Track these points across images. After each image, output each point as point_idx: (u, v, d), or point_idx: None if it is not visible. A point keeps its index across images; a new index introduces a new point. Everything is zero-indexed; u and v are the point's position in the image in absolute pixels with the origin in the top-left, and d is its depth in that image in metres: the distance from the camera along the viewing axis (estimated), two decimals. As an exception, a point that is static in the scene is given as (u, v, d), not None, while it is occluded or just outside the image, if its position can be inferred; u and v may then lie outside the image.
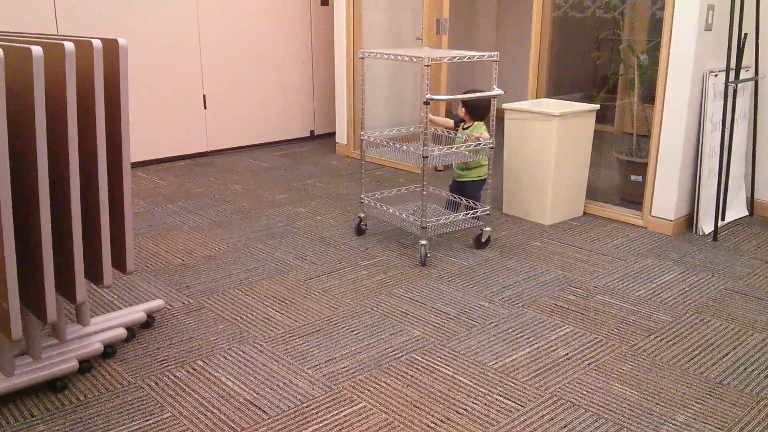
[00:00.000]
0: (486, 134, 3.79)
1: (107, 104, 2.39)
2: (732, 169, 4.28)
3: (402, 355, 2.70)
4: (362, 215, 3.98)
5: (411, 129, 4.27)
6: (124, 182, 2.46)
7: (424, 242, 3.56)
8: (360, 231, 4.02)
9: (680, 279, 3.45)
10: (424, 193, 3.55)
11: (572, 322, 2.99)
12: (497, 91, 3.58)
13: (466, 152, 3.74)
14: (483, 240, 3.83)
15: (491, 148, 3.73)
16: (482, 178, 3.96)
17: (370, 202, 3.93)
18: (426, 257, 3.59)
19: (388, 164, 5.70)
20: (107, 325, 2.74)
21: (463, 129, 3.92)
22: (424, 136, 3.48)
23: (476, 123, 3.89)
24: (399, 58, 3.56)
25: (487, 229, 3.82)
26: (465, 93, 3.87)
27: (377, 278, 3.43)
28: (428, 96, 3.41)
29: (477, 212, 3.78)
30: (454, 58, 3.54)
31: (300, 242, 3.92)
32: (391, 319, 3.00)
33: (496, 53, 3.62)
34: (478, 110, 3.88)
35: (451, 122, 4.06)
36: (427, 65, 3.36)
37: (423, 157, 3.48)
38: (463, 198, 3.95)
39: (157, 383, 2.50)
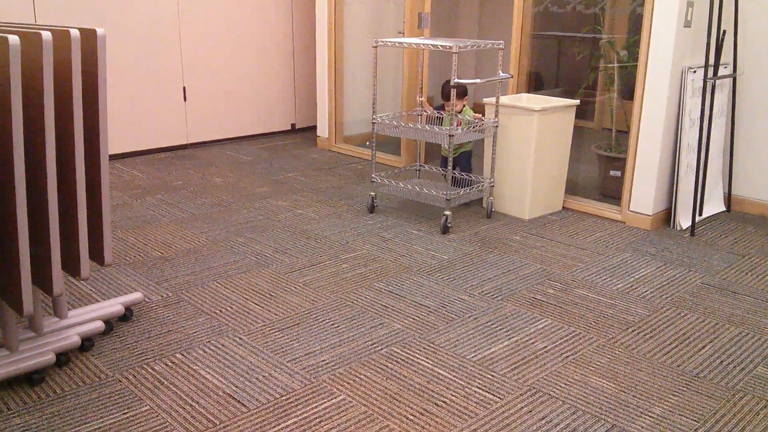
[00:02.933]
0: (471, 114, 4.33)
1: (85, 95, 2.37)
2: (710, 164, 4.33)
3: (382, 348, 2.71)
4: (373, 193, 4.35)
5: (410, 112, 4.66)
6: (102, 174, 2.44)
7: (448, 212, 3.98)
8: (372, 209, 4.37)
9: (658, 273, 3.49)
10: (448, 169, 4.04)
11: (551, 315, 3.01)
12: (507, 75, 4.20)
13: (470, 132, 4.17)
14: (489, 210, 4.32)
15: (496, 126, 4.22)
16: (469, 149, 4.50)
17: (384, 180, 4.29)
18: (448, 226, 4.00)
19: (368, 158, 5.70)
20: (85, 318, 2.72)
21: (454, 113, 4.08)
22: (451, 117, 3.98)
23: (465, 107, 4.35)
24: (424, 46, 4.01)
25: (491, 198, 4.31)
26: (444, 85, 4.33)
27: (358, 272, 3.43)
28: (456, 80, 3.86)
29: (484, 184, 4.29)
30: (473, 46, 3.97)
31: (280, 235, 3.91)
32: (371, 313, 3.00)
33: (501, 41, 4.11)
34: (464, 93, 4.38)
35: (430, 107, 4.57)
36: (456, 53, 3.77)
37: (450, 135, 3.92)
38: (455, 171, 4.36)
39: (135, 376, 2.49)
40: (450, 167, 4.03)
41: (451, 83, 3.87)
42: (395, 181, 4.29)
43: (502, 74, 4.13)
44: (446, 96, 4.22)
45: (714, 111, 4.24)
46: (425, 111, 4.51)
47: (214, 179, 5.03)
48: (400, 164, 5.40)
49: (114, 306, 2.83)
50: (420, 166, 4.69)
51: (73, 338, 2.57)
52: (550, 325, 2.92)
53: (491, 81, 4.11)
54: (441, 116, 4.38)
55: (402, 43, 4.04)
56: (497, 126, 4.20)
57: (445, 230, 3.99)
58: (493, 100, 4.26)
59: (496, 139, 4.23)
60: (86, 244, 2.40)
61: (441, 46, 3.86)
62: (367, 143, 6.04)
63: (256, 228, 4.03)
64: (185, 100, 5.85)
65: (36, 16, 4.91)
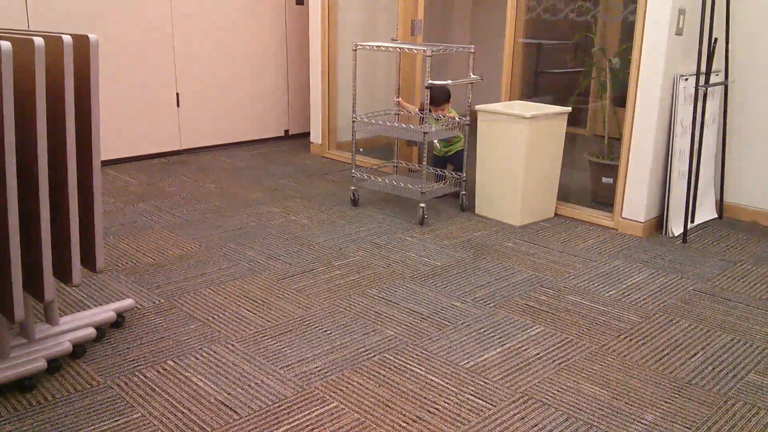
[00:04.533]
0: (456, 114, 4.62)
1: (77, 101, 2.37)
2: (702, 172, 4.35)
3: (374, 355, 2.70)
4: (353, 188, 4.60)
5: (387, 112, 4.88)
6: (94, 180, 2.44)
7: (422, 205, 4.24)
8: (355, 202, 4.62)
9: (650, 280, 3.50)
10: (424, 164, 4.28)
11: (543, 322, 3.01)
12: (476, 77, 4.41)
13: (445, 129, 4.44)
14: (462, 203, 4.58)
15: (467, 124, 4.46)
16: (462, 148, 4.66)
17: (363, 175, 4.60)
18: (424, 218, 4.26)
19: (361, 164, 5.70)
20: (76, 324, 2.71)
21: (439, 113, 4.57)
22: (427, 116, 4.20)
23: (449, 107, 4.59)
24: (399, 49, 4.37)
25: (463, 192, 4.55)
26: (427, 86, 4.47)
27: (351, 278, 3.43)
28: (429, 82, 4.11)
29: (460, 179, 4.54)
30: (444, 49, 4.25)
31: (273, 242, 3.91)
32: (364, 319, 3.00)
33: (471, 45, 4.39)
34: (444, 97, 4.63)
35: (415, 108, 4.82)
36: (429, 55, 4.07)
37: (423, 132, 4.16)
38: (445, 171, 4.66)
39: (126, 383, 2.48)
40: (424, 164, 4.28)
41: (426, 84, 4.15)
42: (374, 176, 4.59)
43: (472, 76, 4.41)
44: (432, 99, 4.40)
45: (706, 118, 4.26)
46: (402, 111, 4.80)
47: (207, 185, 5.03)
48: (391, 170, 5.40)
49: (106, 312, 2.82)
50: (397, 163, 4.99)
51: (64, 345, 2.56)
52: (542, 332, 2.92)
53: (462, 82, 4.41)
54: (424, 117, 4.48)
55: (380, 46, 4.43)
56: (468, 124, 4.45)
57: (422, 222, 4.26)
58: (485, 106, 4.28)
59: (467, 136, 4.51)
60: (78, 251, 2.40)
61: (416, 49, 4.23)
62: (360, 150, 6.04)
63: (248, 234, 4.02)
64: (178, 106, 5.84)
65: (29, 22, 4.90)
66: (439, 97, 4.55)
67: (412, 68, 5.36)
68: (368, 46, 4.46)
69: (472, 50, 4.36)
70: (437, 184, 4.43)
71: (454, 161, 4.79)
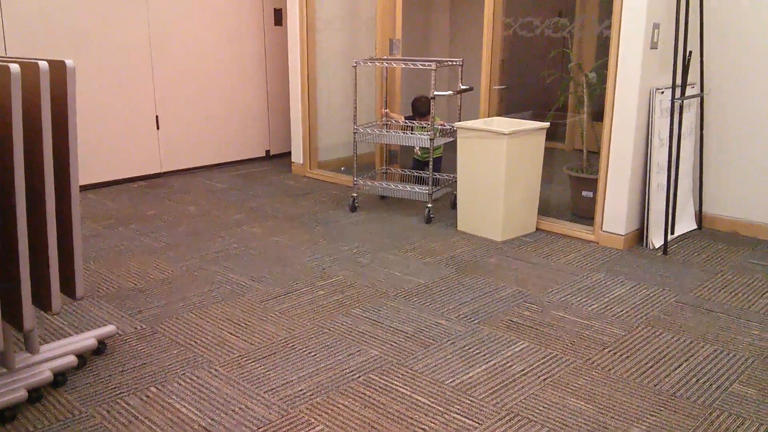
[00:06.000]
0: (443, 121, 4.94)
1: (55, 126, 2.35)
2: (680, 183, 4.39)
3: (359, 376, 2.69)
4: (354, 195, 4.92)
5: (377, 123, 5.23)
6: (73, 205, 2.42)
7: (430, 205, 4.66)
8: (354, 208, 4.92)
9: (632, 292, 3.51)
10: (431, 170, 4.69)
11: (527, 337, 3.02)
12: (467, 87, 4.83)
13: (441, 136, 4.76)
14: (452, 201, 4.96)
15: (454, 129, 4.66)
16: (440, 155, 5.11)
17: (366, 182, 4.93)
18: (431, 217, 4.65)
19: (343, 183, 5.70)
20: (57, 352, 2.67)
21: (424, 122, 4.89)
22: (433, 123, 4.60)
23: (435, 116, 4.77)
24: (396, 64, 4.83)
25: (455, 192, 4.83)
26: (413, 101, 5.12)
27: (334, 298, 3.42)
28: (435, 93, 4.57)
29: (451, 179, 4.93)
30: (439, 64, 4.63)
31: (256, 263, 3.89)
32: (349, 340, 2.99)
33: (460, 59, 4.84)
34: (427, 107, 4.90)
35: (402, 117, 5.13)
36: (434, 69, 4.51)
37: (430, 139, 4.57)
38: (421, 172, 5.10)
39: (109, 411, 2.44)
40: (430, 168, 4.67)
41: (431, 95, 4.59)
42: (376, 182, 4.95)
43: (462, 86, 4.79)
44: (414, 110, 5.00)
45: (683, 130, 4.31)
46: (390, 121, 5.15)
47: (188, 208, 5.00)
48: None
49: (87, 340, 2.79)
50: (386, 169, 5.39)
51: (45, 374, 2.53)
52: (527, 348, 2.92)
53: (457, 93, 4.82)
54: (411, 125, 5.00)
55: (382, 61, 4.82)
56: (455, 130, 4.62)
57: (429, 221, 4.65)
58: (464, 123, 4.32)
59: (457, 147, 4.58)
60: (57, 278, 2.37)
61: (413, 64, 4.62)
62: (341, 168, 6.05)
63: (231, 256, 4.00)
64: (158, 128, 5.82)
65: (6, 47, 4.88)
66: (423, 109, 4.99)
67: (392, 82, 5.39)
68: (369, 62, 4.82)
69: (461, 63, 4.83)
70: (436, 186, 4.82)
71: (434, 166, 4.93)
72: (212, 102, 6.14)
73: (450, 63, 4.77)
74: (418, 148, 5.07)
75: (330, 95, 6.11)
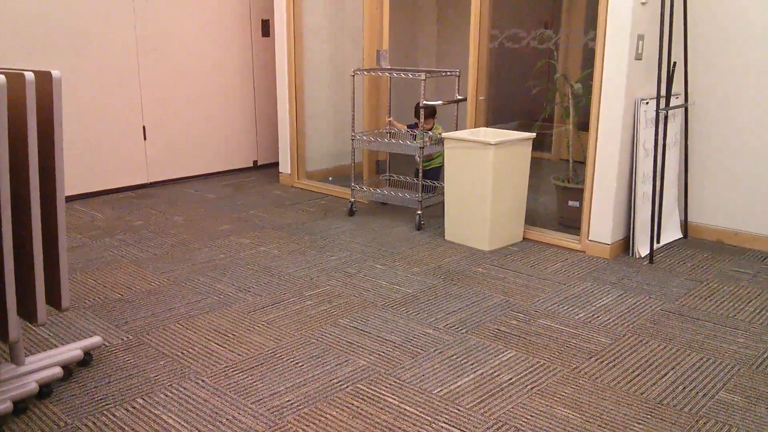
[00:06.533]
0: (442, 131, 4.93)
1: (41, 137, 2.35)
2: (665, 193, 4.42)
3: (347, 386, 2.69)
4: (352, 200, 5.06)
5: (381, 130, 5.33)
6: (59, 216, 2.41)
7: (420, 212, 4.73)
8: (352, 213, 5.07)
9: (618, 301, 3.53)
10: (420, 177, 4.79)
11: (515, 346, 3.02)
12: (462, 98, 4.89)
13: (434, 144, 4.79)
14: None
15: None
16: (441, 164, 5.08)
17: (363, 187, 5.10)
18: (421, 224, 4.74)
19: (331, 192, 5.71)
20: (43, 364, 2.66)
21: (425, 130, 4.85)
22: (423, 133, 4.71)
23: (435, 124, 5.03)
24: (396, 74, 4.84)
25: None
26: (416, 107, 4.99)
27: (322, 308, 3.42)
28: (424, 102, 4.65)
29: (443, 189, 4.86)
30: (435, 74, 4.85)
31: (243, 274, 3.88)
32: (337, 350, 2.98)
33: (457, 69, 4.92)
34: (429, 111, 5.03)
35: (404, 126, 5.22)
36: (424, 79, 4.59)
37: (420, 147, 4.66)
38: (426, 180, 5.12)
39: (95, 423, 2.43)
40: (421, 176, 4.76)
41: (421, 105, 4.65)
42: (371, 189, 5.11)
43: (458, 96, 4.86)
44: (417, 115, 4.87)
45: (668, 140, 4.34)
46: (393, 129, 5.23)
47: (174, 218, 4.99)
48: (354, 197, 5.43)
49: (73, 351, 2.77)
50: (389, 176, 5.46)
51: (30, 385, 2.51)
52: (514, 357, 2.93)
53: (451, 103, 4.89)
54: (413, 133, 5.00)
55: (377, 72, 4.91)
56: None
57: (419, 227, 4.73)
58: (451, 133, 4.35)
59: (444, 157, 4.65)
60: (42, 289, 2.36)
61: (411, 74, 4.72)
62: (330, 179, 6.06)
63: (218, 267, 3.99)
64: (145, 138, 5.81)
65: (-9, 57, 4.86)
66: (426, 113, 4.96)
67: (380, 92, 5.41)
68: (365, 72, 4.96)
69: (458, 74, 4.87)
70: (428, 194, 4.93)
71: (431, 175, 5.18)
72: (199, 112, 6.14)
73: (447, 74, 4.83)
74: (417, 156, 5.07)
75: (317, 106, 6.12)
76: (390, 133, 5.26)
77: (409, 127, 5.20)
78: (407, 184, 5.38)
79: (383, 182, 5.47)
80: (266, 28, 6.48)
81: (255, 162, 6.69)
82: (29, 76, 2.21)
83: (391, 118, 5.29)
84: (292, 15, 5.68)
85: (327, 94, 6.13)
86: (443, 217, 4.57)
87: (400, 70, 4.84)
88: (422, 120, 4.71)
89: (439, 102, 4.86)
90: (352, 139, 4.95)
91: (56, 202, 2.40)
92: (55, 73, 2.30)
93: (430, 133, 4.89)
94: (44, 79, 2.31)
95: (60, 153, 2.36)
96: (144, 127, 5.78)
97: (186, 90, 6.00)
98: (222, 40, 6.18)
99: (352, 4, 6.01)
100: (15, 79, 2.21)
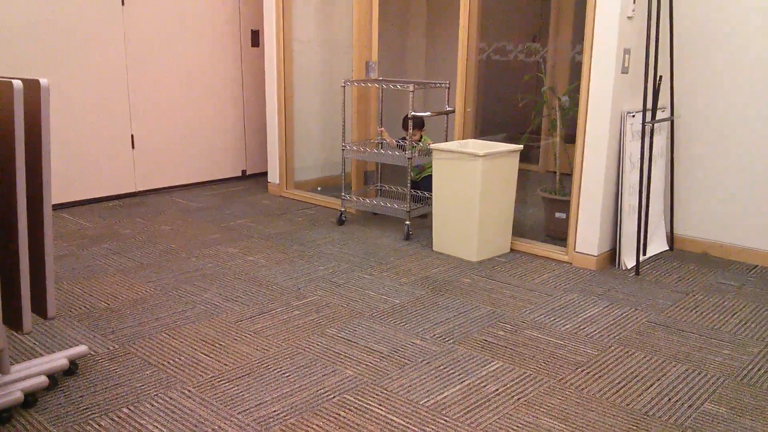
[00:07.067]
0: (431, 142, 4.94)
1: (28, 145, 2.34)
2: (651, 205, 4.46)
3: (334, 396, 2.68)
4: (342, 209, 5.09)
5: (371, 141, 5.38)
6: (45, 224, 2.40)
7: (408, 222, 4.75)
8: (341, 222, 5.09)
9: (605, 313, 3.55)
10: (408, 186, 4.76)
11: (502, 357, 3.03)
12: (451, 109, 4.89)
13: (423, 156, 4.87)
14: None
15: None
16: (430, 174, 5.05)
17: (352, 197, 5.09)
18: (409, 234, 4.76)
19: (319, 203, 5.71)
20: (28, 373, 2.64)
21: (415, 141, 4.91)
22: (412, 143, 4.71)
23: (424, 136, 5.08)
24: (386, 85, 4.87)
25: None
26: (404, 118, 5.04)
27: (309, 318, 3.42)
28: (412, 113, 4.67)
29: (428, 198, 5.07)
30: (424, 86, 4.88)
31: (230, 283, 3.88)
32: (324, 360, 2.98)
33: (447, 81, 4.93)
34: (421, 125, 5.15)
35: (393, 140, 5.24)
36: (412, 91, 4.60)
37: (408, 158, 4.68)
38: (418, 191, 5.20)
39: (79, 433, 2.41)
40: (408, 186, 4.75)
41: (408, 116, 4.66)
42: (362, 197, 5.12)
43: (447, 107, 4.89)
44: (405, 127, 4.89)
45: (654, 153, 4.38)
46: (384, 140, 5.25)
47: (162, 227, 4.98)
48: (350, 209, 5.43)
49: (58, 360, 2.75)
50: (381, 186, 5.50)
51: (15, 394, 2.49)
52: (501, 368, 2.94)
53: (439, 114, 4.91)
54: (402, 144, 5.03)
55: (367, 83, 4.93)
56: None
57: (408, 237, 4.75)
58: (439, 145, 4.37)
59: (432, 168, 4.62)
60: (28, 298, 2.35)
61: (400, 85, 4.76)
62: (318, 189, 6.06)
63: (205, 276, 3.98)
64: (133, 147, 5.80)
65: (-22, 65, 4.84)
66: (415, 123, 4.99)
67: (369, 102, 5.42)
68: (356, 83, 4.99)
69: (447, 85, 4.90)
70: (417, 204, 4.97)
71: (423, 186, 5.21)
72: (188, 121, 6.14)
73: (436, 85, 4.86)
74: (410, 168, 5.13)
75: (306, 116, 6.13)
76: (380, 143, 5.28)
77: (398, 141, 5.22)
78: (397, 194, 5.39)
79: (373, 192, 5.49)
80: (256, 38, 6.49)
81: (244, 171, 6.69)
82: (17, 84, 2.20)
83: (382, 128, 5.31)
84: (282, 26, 5.70)
85: (316, 105, 6.15)
86: (431, 227, 4.60)
87: (390, 82, 4.86)
88: (410, 131, 4.71)
89: (428, 113, 4.89)
90: (343, 149, 4.99)
91: (43, 210, 2.39)
92: (43, 81, 2.30)
93: (420, 144, 4.92)
94: (32, 87, 2.31)
95: (47, 161, 2.36)
96: (132, 136, 5.77)
97: (175, 99, 6.00)
98: (212, 50, 6.19)
99: (342, 16, 6.04)
100: (3, 86, 2.21)
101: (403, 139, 5.04)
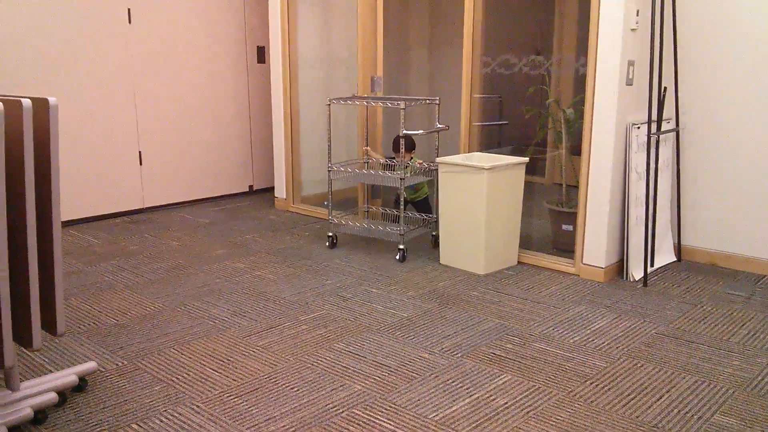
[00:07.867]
0: (422, 162, 4.83)
1: (37, 163, 2.36)
2: (658, 216, 4.45)
3: (343, 411, 2.68)
4: (331, 234, 4.88)
5: (357, 160, 5.28)
6: (55, 241, 2.42)
7: (402, 246, 4.56)
8: (333, 245, 4.90)
9: (613, 325, 3.54)
10: (402, 209, 4.63)
11: (510, 370, 3.03)
12: (443, 126, 4.80)
13: (417, 175, 4.73)
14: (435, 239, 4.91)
15: (435, 169, 4.71)
16: (428, 194, 5.11)
17: (341, 221, 4.88)
18: (405, 257, 4.58)
19: (326, 217, 5.72)
20: (38, 389, 2.65)
21: (408, 160, 4.83)
22: (402, 164, 4.63)
23: (413, 156, 4.92)
24: (374, 103, 4.73)
25: (434, 233, 4.90)
26: (395, 139, 4.93)
27: (317, 333, 3.42)
28: (404, 132, 4.53)
29: (430, 220, 4.92)
30: (416, 102, 4.74)
31: (238, 298, 3.88)
32: (332, 374, 2.98)
33: (437, 98, 4.83)
34: (412, 146, 5.00)
35: (382, 156, 5.19)
36: (403, 108, 4.43)
37: (400, 179, 4.51)
38: (416, 213, 5.07)
39: (89, 449, 2.42)
40: (402, 208, 4.62)
41: (400, 134, 4.53)
42: (351, 221, 4.93)
43: (438, 125, 4.79)
44: (396, 148, 4.84)
45: (659, 164, 4.38)
46: (371, 159, 5.20)
47: (170, 243, 4.99)
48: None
49: (68, 376, 2.76)
50: (368, 207, 5.41)
51: (25, 411, 2.50)
52: (509, 381, 2.93)
53: (431, 132, 4.88)
54: (392, 164, 5.01)
55: (358, 100, 4.74)
56: (435, 169, 4.69)
57: (403, 260, 4.56)
58: (445, 158, 4.37)
59: (438, 182, 4.59)
60: (38, 315, 2.36)
61: (390, 103, 4.59)
62: (324, 203, 6.08)
63: (213, 291, 3.99)
64: (141, 164, 5.83)
65: (-12, 84, 4.89)
66: (406, 144, 4.85)
67: (374, 120, 5.45)
68: (342, 101, 4.75)
69: (437, 102, 4.82)
70: (412, 226, 4.78)
71: (419, 206, 5.13)
72: (195, 137, 6.17)
73: (426, 102, 4.77)
74: (402, 188, 4.99)
75: (312, 131, 6.15)
76: (367, 162, 5.20)
77: (389, 159, 5.12)
78: (389, 216, 5.24)
79: (363, 213, 5.37)
80: (262, 54, 6.53)
81: (250, 187, 6.71)
82: (26, 103, 2.23)
83: (367, 147, 5.25)
84: (288, 42, 5.74)
85: (322, 120, 6.17)
86: (432, 246, 4.59)
87: (380, 99, 4.77)
88: (402, 151, 4.64)
89: (421, 131, 4.76)
90: (329, 171, 4.79)
91: (52, 227, 2.41)
92: (51, 99, 2.33)
93: (409, 163, 4.79)
94: (41, 105, 2.33)
95: (56, 179, 2.38)
96: (140, 153, 5.81)
97: (182, 115, 6.04)
98: (218, 67, 6.23)
99: (347, 32, 6.07)
100: (12, 105, 2.23)
101: (392, 158, 5.08)
